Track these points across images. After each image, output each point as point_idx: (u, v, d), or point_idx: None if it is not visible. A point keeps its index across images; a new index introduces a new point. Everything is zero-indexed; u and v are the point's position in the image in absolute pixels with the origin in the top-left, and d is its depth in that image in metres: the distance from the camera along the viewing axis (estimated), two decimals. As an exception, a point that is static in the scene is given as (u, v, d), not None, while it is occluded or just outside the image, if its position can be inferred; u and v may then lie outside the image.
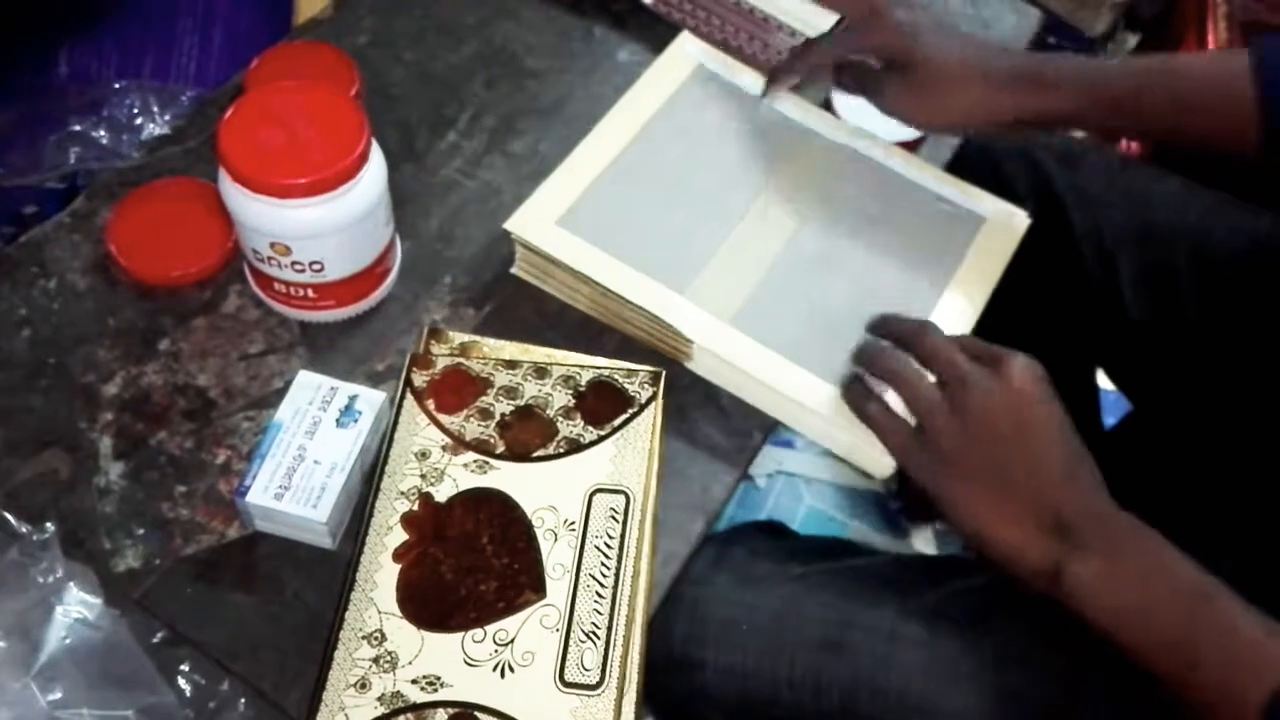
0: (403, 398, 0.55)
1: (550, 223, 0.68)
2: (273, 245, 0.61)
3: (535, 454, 0.54)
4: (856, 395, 0.58)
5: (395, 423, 0.54)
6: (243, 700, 0.58)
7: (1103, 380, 0.90)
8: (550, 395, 0.55)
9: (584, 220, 0.68)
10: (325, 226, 0.61)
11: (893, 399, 0.57)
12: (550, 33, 0.84)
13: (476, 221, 0.74)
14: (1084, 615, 0.49)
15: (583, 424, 0.54)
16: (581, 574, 0.50)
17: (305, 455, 0.59)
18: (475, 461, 0.53)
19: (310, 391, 0.62)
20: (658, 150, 0.72)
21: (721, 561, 0.61)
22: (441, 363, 0.56)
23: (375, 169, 0.63)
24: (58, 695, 0.53)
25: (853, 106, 0.77)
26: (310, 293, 0.65)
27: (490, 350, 0.59)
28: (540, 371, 0.56)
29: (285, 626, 0.58)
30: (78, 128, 0.72)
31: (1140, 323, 0.75)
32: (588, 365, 0.57)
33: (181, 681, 0.58)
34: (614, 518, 0.52)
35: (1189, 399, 0.76)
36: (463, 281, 0.71)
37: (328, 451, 0.59)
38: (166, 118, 0.75)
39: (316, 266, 0.63)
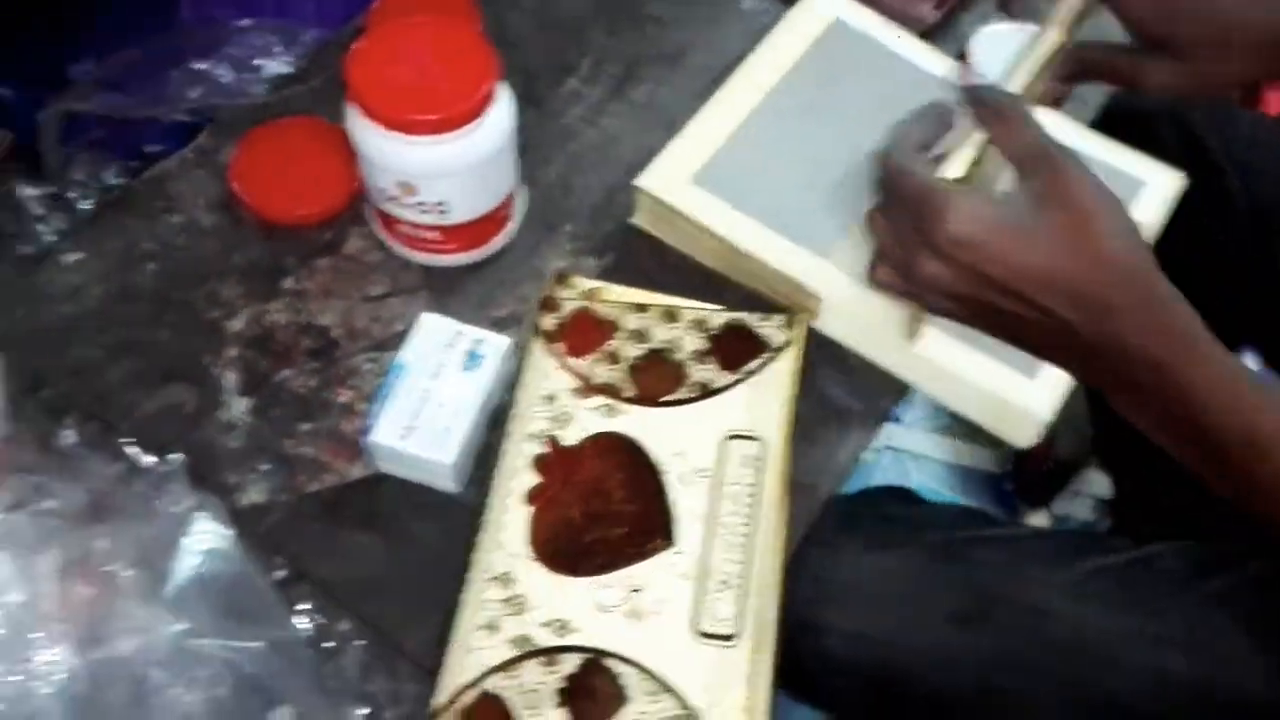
0: (531, 341, 0.53)
1: (684, 180, 0.66)
2: (399, 184, 0.60)
3: (665, 398, 0.52)
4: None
5: (523, 366, 0.53)
6: (360, 642, 0.58)
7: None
8: (680, 339, 0.53)
9: (718, 178, 0.66)
10: (452, 165, 0.60)
11: None
12: (673, -21, 0.81)
13: (597, 170, 0.72)
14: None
15: (715, 368, 0.52)
16: (714, 522, 0.48)
17: (430, 397, 0.58)
18: (604, 405, 0.51)
19: (435, 334, 0.61)
20: (794, 107, 0.70)
21: (849, 525, 0.59)
22: (569, 306, 0.55)
23: (503, 108, 0.61)
24: (186, 624, 0.53)
25: (990, 59, 0.73)
26: (434, 235, 0.64)
27: (618, 295, 0.58)
28: (670, 315, 0.54)
29: (408, 569, 0.57)
30: (201, 66, 0.72)
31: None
32: (719, 309, 0.55)
33: (299, 620, 0.58)
34: (749, 465, 0.50)
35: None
36: (583, 230, 0.69)
37: (453, 394, 0.58)
38: (289, 58, 0.75)
39: (441, 208, 0.62)
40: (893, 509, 0.63)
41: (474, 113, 0.58)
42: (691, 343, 0.53)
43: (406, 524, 0.58)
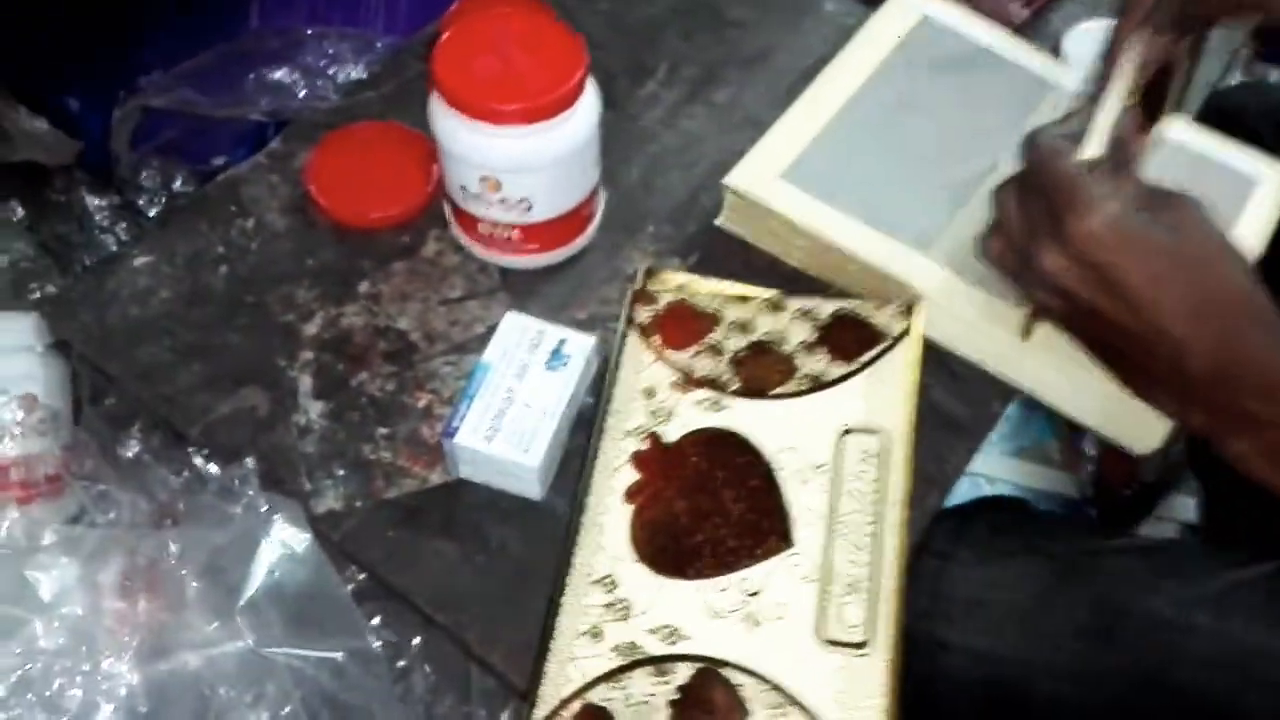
0: (625, 333, 0.50)
1: (774, 177, 0.63)
2: (482, 179, 0.58)
3: (773, 391, 0.48)
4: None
5: (619, 360, 0.50)
6: (428, 666, 0.55)
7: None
8: (787, 330, 0.50)
9: (809, 175, 0.63)
10: (539, 158, 0.57)
11: None
12: (750, -17, 0.80)
13: (678, 171, 0.70)
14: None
15: (827, 359, 0.49)
16: (835, 521, 0.45)
17: (514, 398, 0.55)
18: (707, 399, 0.48)
19: (518, 333, 0.58)
20: (884, 102, 0.67)
21: (962, 535, 0.55)
22: (665, 299, 0.52)
23: (590, 101, 0.59)
24: (262, 633, 0.50)
25: (1084, 57, 0.70)
26: (515, 234, 0.62)
27: (712, 288, 0.55)
28: (774, 305, 0.51)
29: (491, 578, 0.54)
30: (274, 73, 0.71)
31: None
32: (825, 300, 0.52)
33: (375, 632, 0.55)
34: (869, 461, 0.46)
35: None
36: (665, 231, 0.67)
37: (538, 395, 0.56)
38: (360, 64, 0.73)
39: (525, 204, 0.59)
40: (1007, 520, 0.59)
41: (563, 103, 0.56)
42: (799, 333, 0.50)
43: (488, 531, 0.55)
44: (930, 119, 0.67)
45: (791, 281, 0.64)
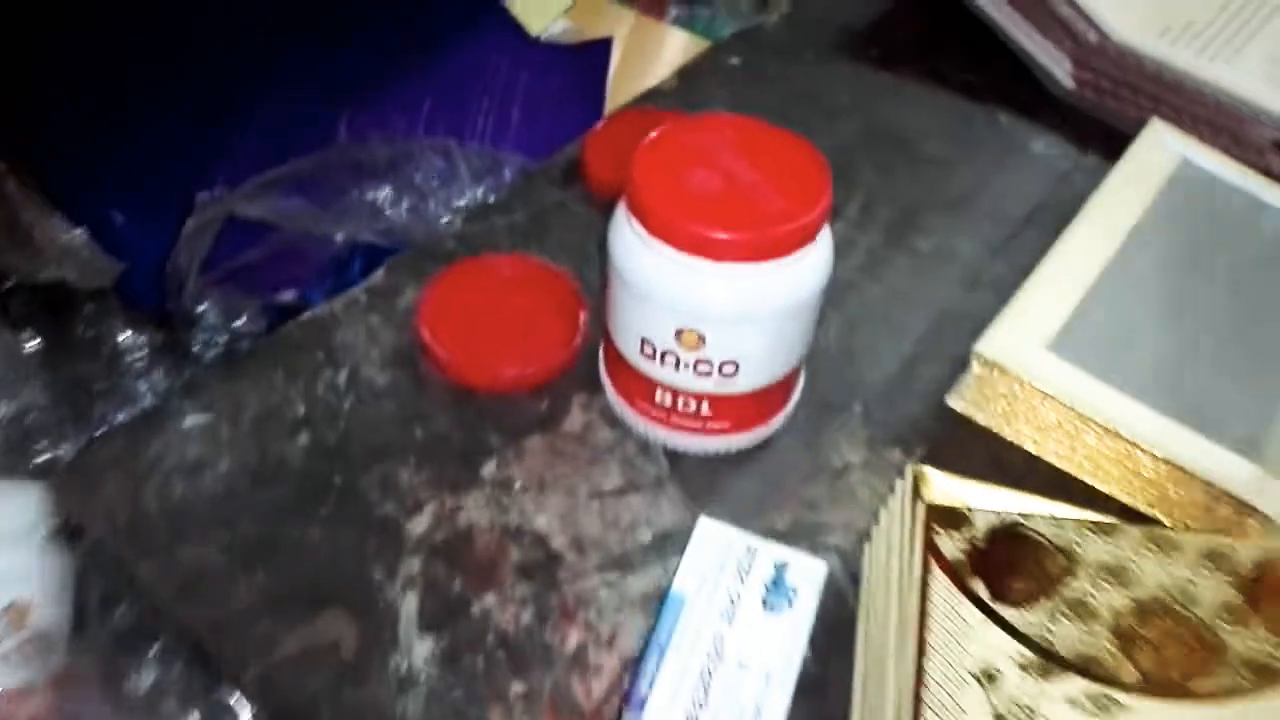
0: (928, 574, 0.33)
1: (1038, 347, 0.48)
2: (679, 332, 0.43)
3: (1197, 687, 0.31)
4: None
5: (923, 618, 0.33)
6: None
7: None
8: (1194, 583, 0.33)
9: (1082, 348, 0.48)
10: (765, 307, 0.42)
11: None
12: (945, 117, 0.67)
13: (885, 334, 0.54)
14: None
15: (1263, 633, 0.32)
16: None
17: (723, 653, 0.38)
18: (1087, 695, 0.31)
19: (718, 551, 0.41)
20: (1157, 260, 0.53)
21: None
22: (983, 521, 0.35)
23: (828, 235, 0.44)
24: None
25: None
26: (704, 408, 0.46)
27: (1050, 509, 0.38)
28: (1160, 542, 0.34)
29: None
30: (377, 192, 0.56)
31: None
32: (1221, 535, 0.35)
33: None
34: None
35: None
36: (877, 413, 0.51)
37: (757, 649, 0.38)
38: (480, 188, 0.59)
39: (729, 368, 0.44)
40: None
41: (806, 235, 0.41)
42: (1214, 590, 0.33)
43: None
44: (1215, 282, 0.53)
45: (1054, 487, 0.48)
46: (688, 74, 0.68)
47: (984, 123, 0.66)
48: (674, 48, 0.78)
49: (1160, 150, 0.58)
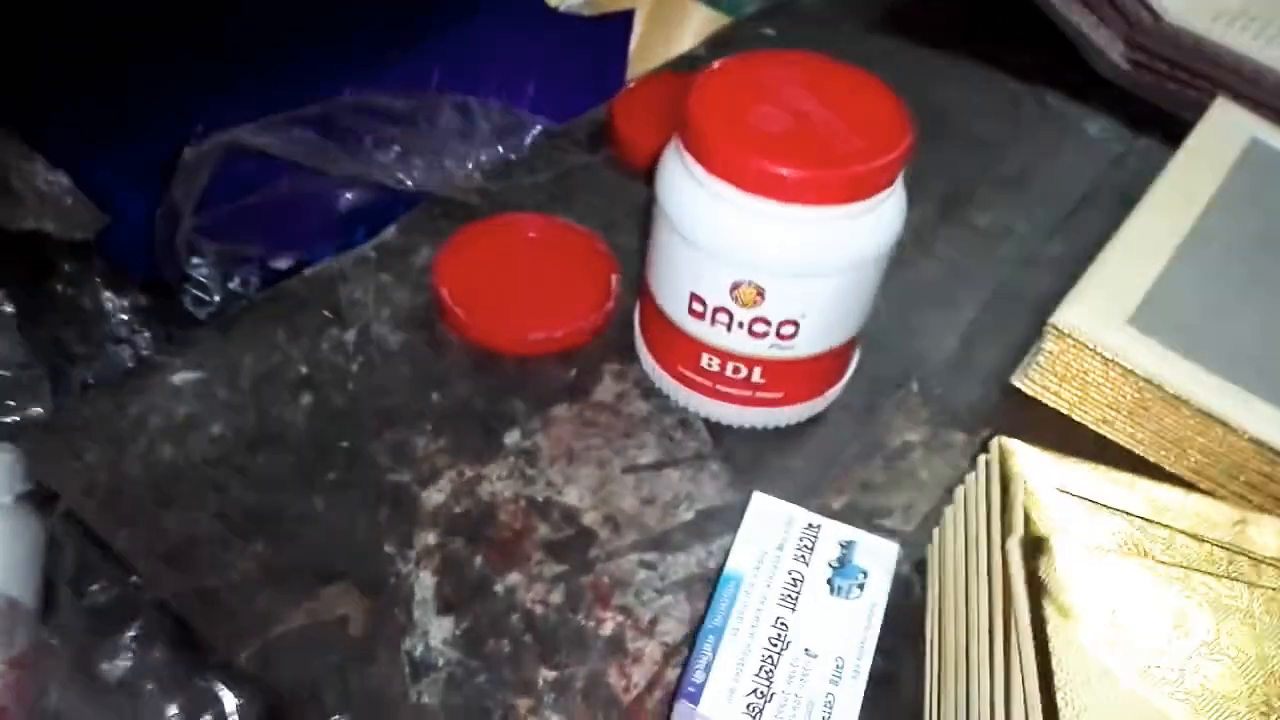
0: (1043, 614, 0.28)
1: (1119, 319, 0.44)
2: (736, 287, 0.38)
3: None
4: None
5: (1019, 653, 0.28)
6: None
7: None
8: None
9: (1165, 324, 0.44)
10: (836, 257, 0.38)
11: None
12: (996, 98, 0.63)
13: (943, 309, 0.50)
14: None
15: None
16: None
17: (788, 638, 0.34)
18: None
19: (775, 529, 0.37)
20: (1235, 238, 0.49)
21: None
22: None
23: (902, 186, 0.40)
24: None
25: None
26: (755, 374, 0.41)
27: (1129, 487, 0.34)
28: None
29: None
30: (390, 146, 0.52)
31: None
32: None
33: None
34: None
35: None
36: (935, 389, 0.47)
37: (823, 634, 0.34)
38: (501, 146, 0.55)
39: (788, 328, 0.39)
40: None
41: (885, 177, 0.37)
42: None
43: None
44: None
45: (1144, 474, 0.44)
46: (719, 43, 0.65)
47: (1033, 103, 0.63)
48: (698, 23, 0.75)
49: (1229, 129, 0.55)
